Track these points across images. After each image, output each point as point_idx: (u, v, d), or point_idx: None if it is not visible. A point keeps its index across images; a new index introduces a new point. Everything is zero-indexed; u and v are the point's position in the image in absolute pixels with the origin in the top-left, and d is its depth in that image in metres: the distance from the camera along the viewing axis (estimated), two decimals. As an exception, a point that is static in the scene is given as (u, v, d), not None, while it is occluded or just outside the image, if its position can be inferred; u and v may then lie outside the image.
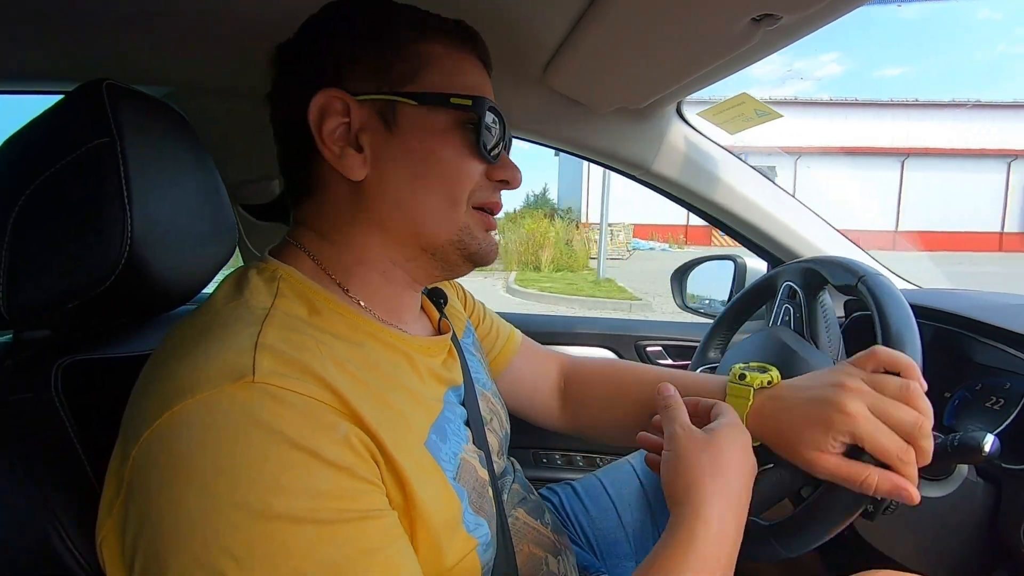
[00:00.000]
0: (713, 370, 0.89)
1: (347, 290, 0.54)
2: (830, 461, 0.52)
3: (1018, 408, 0.69)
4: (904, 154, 19.73)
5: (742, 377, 0.60)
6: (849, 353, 0.63)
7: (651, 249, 18.68)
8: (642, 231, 19.92)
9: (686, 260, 1.42)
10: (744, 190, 1.11)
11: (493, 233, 0.58)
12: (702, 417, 0.59)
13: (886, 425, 0.51)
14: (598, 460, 1.34)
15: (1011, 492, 0.64)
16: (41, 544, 0.46)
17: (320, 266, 0.54)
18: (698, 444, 0.53)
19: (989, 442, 0.54)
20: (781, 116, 0.93)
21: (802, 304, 0.75)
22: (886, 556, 0.65)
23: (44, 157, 0.51)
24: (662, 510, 0.89)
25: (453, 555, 0.47)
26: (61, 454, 0.49)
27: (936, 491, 0.64)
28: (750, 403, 0.59)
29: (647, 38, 0.69)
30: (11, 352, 0.56)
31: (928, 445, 0.51)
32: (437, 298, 0.69)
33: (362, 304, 0.54)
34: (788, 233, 1.13)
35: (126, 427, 0.41)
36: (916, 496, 0.50)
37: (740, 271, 1.27)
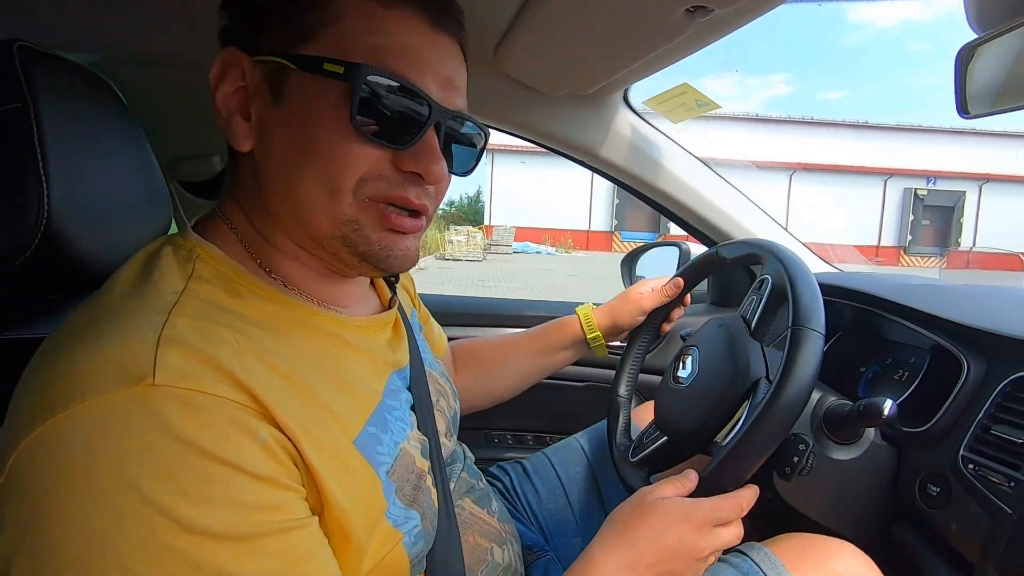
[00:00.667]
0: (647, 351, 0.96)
1: (270, 271, 0.48)
2: (647, 289, 0.89)
3: (918, 379, 0.76)
4: (792, 168, 21.15)
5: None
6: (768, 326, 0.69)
7: (537, 252, 19.49)
8: (537, 235, 21.32)
9: (569, 262, 1.47)
10: (686, 177, 1.15)
11: (407, 236, 0.49)
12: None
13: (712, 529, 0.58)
14: (548, 439, 1.37)
15: (909, 453, 0.71)
16: None
17: (243, 243, 0.48)
18: (635, 502, 0.58)
19: (888, 406, 0.60)
20: (719, 107, 0.97)
21: (765, 306, 0.74)
22: (803, 515, 0.70)
23: None
24: (608, 486, 0.91)
25: (375, 552, 0.44)
26: None
27: (847, 454, 0.70)
28: (591, 312, 0.93)
29: (589, 23, 0.71)
30: None
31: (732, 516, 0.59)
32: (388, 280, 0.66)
33: (287, 287, 0.49)
34: (726, 219, 1.18)
35: (7, 425, 0.36)
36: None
37: (684, 257, 1.32)
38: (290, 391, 0.40)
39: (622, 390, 0.92)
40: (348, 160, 0.44)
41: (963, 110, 0.49)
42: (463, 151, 0.53)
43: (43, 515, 0.32)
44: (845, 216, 21.56)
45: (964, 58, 0.48)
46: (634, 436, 0.85)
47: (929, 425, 0.68)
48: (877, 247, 21.95)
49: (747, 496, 0.58)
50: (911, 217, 21.62)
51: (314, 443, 0.40)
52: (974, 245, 19.37)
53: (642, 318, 0.93)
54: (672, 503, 0.56)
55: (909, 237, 21.83)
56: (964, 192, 21.59)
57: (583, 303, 1.00)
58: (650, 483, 0.73)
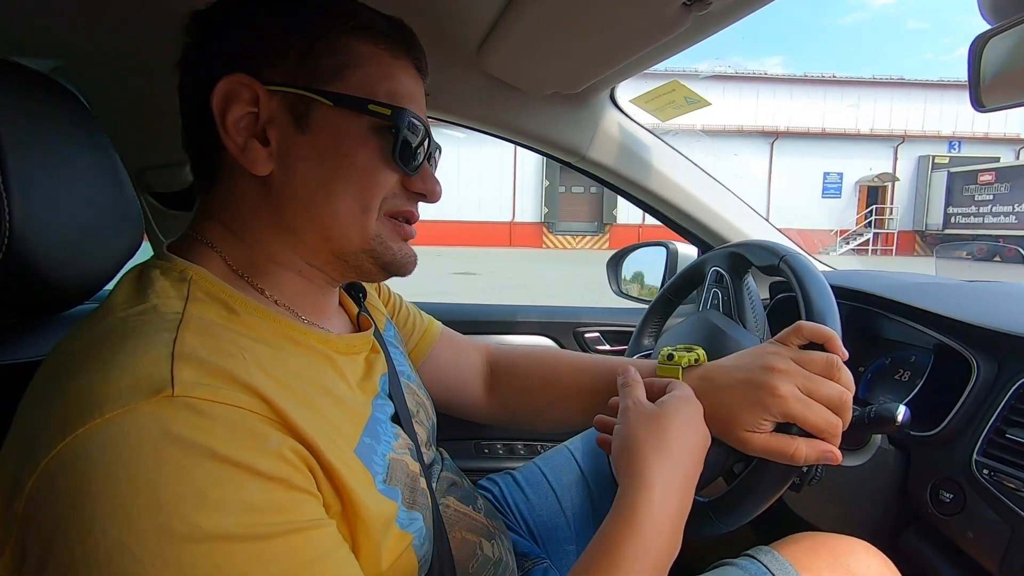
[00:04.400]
0: (649, 355, 0.91)
1: (262, 290, 0.51)
2: (761, 439, 0.55)
3: (923, 379, 0.75)
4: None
5: (670, 358, 0.62)
6: (774, 331, 0.65)
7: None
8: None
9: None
10: (675, 177, 1.13)
11: (409, 243, 0.56)
12: (658, 395, 0.59)
13: (814, 401, 0.54)
14: (539, 448, 1.34)
15: (918, 458, 0.69)
16: None
17: (231, 266, 0.50)
18: (644, 416, 0.54)
19: (901, 413, 0.58)
20: (710, 104, 0.95)
21: (729, 287, 0.78)
22: (810, 523, 0.68)
23: None
24: (601, 493, 0.90)
25: (389, 555, 0.46)
26: None
27: (854, 460, 0.68)
28: (679, 377, 0.61)
29: (579, 20, 0.68)
30: None
31: (849, 415, 0.55)
32: (356, 291, 0.67)
33: (279, 303, 0.51)
34: (716, 219, 1.17)
35: (11, 456, 0.36)
36: (839, 457, 0.54)
37: (672, 257, 1.30)
38: (296, 400, 0.42)
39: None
40: (379, 183, 0.51)
41: (977, 103, 0.47)
42: (434, 160, 0.60)
43: (64, 533, 0.32)
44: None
45: (977, 49, 0.46)
46: None
47: (939, 429, 0.66)
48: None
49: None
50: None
51: (328, 449, 0.41)
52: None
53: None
54: (642, 409, 0.56)
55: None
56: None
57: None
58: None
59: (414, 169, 0.53)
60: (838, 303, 0.64)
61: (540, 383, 0.82)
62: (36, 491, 0.33)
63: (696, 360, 0.62)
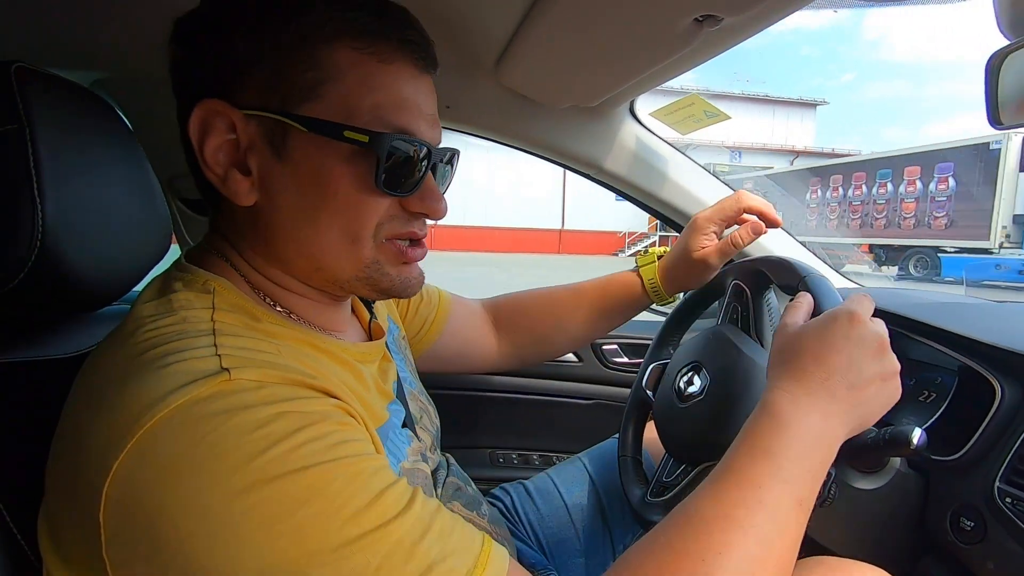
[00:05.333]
0: (666, 365, 0.89)
1: (275, 304, 0.50)
2: (711, 250, 0.78)
3: (946, 402, 0.72)
4: None
5: (646, 253, 0.84)
6: None
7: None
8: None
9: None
10: (695, 190, 1.12)
11: (416, 264, 0.53)
12: None
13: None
14: (554, 459, 1.34)
15: (938, 483, 0.67)
16: None
17: (246, 279, 0.49)
18: (778, 346, 0.51)
19: (917, 435, 0.56)
20: (730, 118, 0.95)
21: (748, 302, 0.76)
22: (825, 548, 0.66)
23: None
24: (611, 506, 0.89)
25: None
26: None
27: (870, 483, 0.66)
28: (656, 263, 0.85)
29: (593, 35, 0.68)
30: None
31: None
32: (367, 300, 0.67)
33: (295, 317, 0.51)
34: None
35: (72, 468, 0.37)
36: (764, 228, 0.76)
37: None
38: (333, 387, 0.42)
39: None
40: (367, 211, 0.47)
41: (994, 120, 0.46)
42: (444, 169, 0.55)
43: (165, 516, 0.33)
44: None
45: (995, 66, 0.45)
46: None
47: (960, 454, 0.64)
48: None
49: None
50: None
51: (368, 422, 0.43)
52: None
53: (710, 277, 0.83)
54: (816, 319, 0.51)
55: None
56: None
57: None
58: None
59: (409, 189, 0.48)
60: None
61: (542, 311, 0.90)
62: (117, 491, 0.33)
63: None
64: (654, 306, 1.40)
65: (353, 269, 0.49)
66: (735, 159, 21.52)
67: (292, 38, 0.43)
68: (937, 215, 12.82)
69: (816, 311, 0.58)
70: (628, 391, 0.89)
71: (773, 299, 0.76)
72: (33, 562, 0.44)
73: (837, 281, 1.20)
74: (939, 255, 12.71)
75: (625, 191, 1.15)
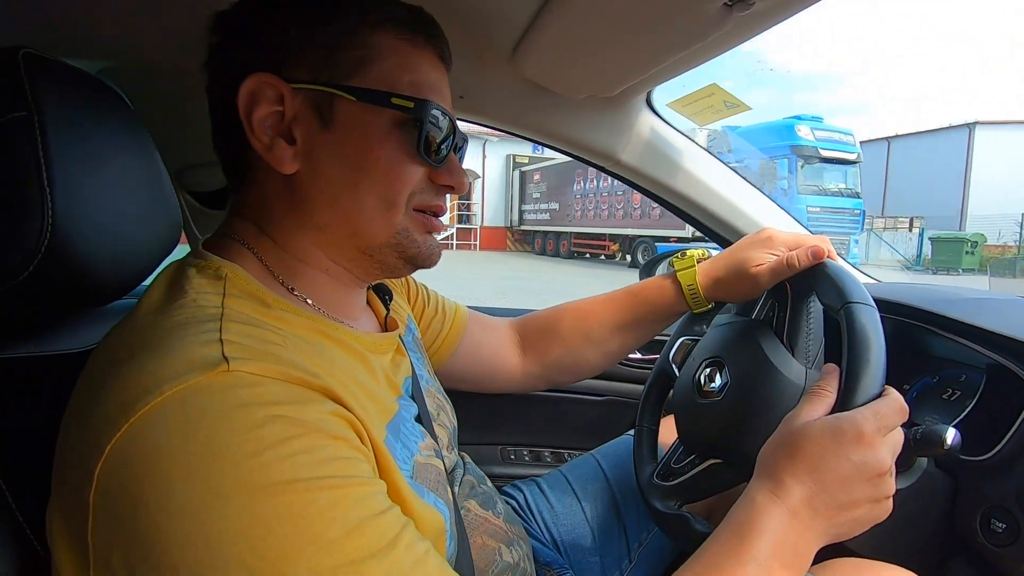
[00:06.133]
0: (694, 344, 0.85)
1: (292, 289, 0.51)
2: (766, 268, 0.71)
3: (974, 400, 0.70)
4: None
5: (683, 256, 0.78)
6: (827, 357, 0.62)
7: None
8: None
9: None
10: (713, 183, 1.10)
11: (436, 235, 0.57)
12: None
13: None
14: (566, 455, 1.33)
15: (968, 484, 0.65)
16: None
17: (264, 264, 0.51)
18: (836, 430, 0.49)
19: (951, 435, 0.54)
20: (750, 108, 0.93)
21: (788, 304, 0.71)
22: (850, 549, 0.65)
23: None
24: (626, 503, 0.89)
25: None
26: None
27: (897, 483, 0.65)
28: (695, 267, 0.78)
29: (617, 22, 0.66)
30: None
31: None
32: (383, 294, 0.67)
33: (310, 303, 0.52)
34: (755, 227, 1.13)
35: (71, 450, 0.37)
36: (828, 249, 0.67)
37: None
38: (336, 383, 0.42)
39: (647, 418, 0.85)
40: (404, 178, 0.51)
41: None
42: (461, 152, 0.60)
43: (145, 507, 0.33)
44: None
45: None
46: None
47: (991, 454, 0.62)
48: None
49: (897, 392, 0.52)
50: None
51: (370, 427, 0.43)
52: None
53: (754, 295, 0.77)
54: (825, 424, 0.49)
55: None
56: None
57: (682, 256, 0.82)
58: (681, 513, 0.69)
59: (440, 161, 0.52)
60: (882, 317, 0.59)
61: (569, 323, 0.87)
62: (107, 475, 0.34)
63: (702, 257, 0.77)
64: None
65: (386, 235, 0.52)
66: (536, 150, 21.77)
67: (341, 24, 0.49)
68: (655, 206, 13.78)
69: (843, 383, 0.54)
70: (642, 388, 0.88)
71: (817, 309, 0.69)
72: (42, 556, 0.43)
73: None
74: (657, 244, 13.73)
75: (641, 184, 1.13)
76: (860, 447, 0.47)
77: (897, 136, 26.77)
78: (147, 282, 0.55)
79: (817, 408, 0.52)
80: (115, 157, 0.54)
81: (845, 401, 0.52)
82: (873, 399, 0.51)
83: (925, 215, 21.26)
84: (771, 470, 0.50)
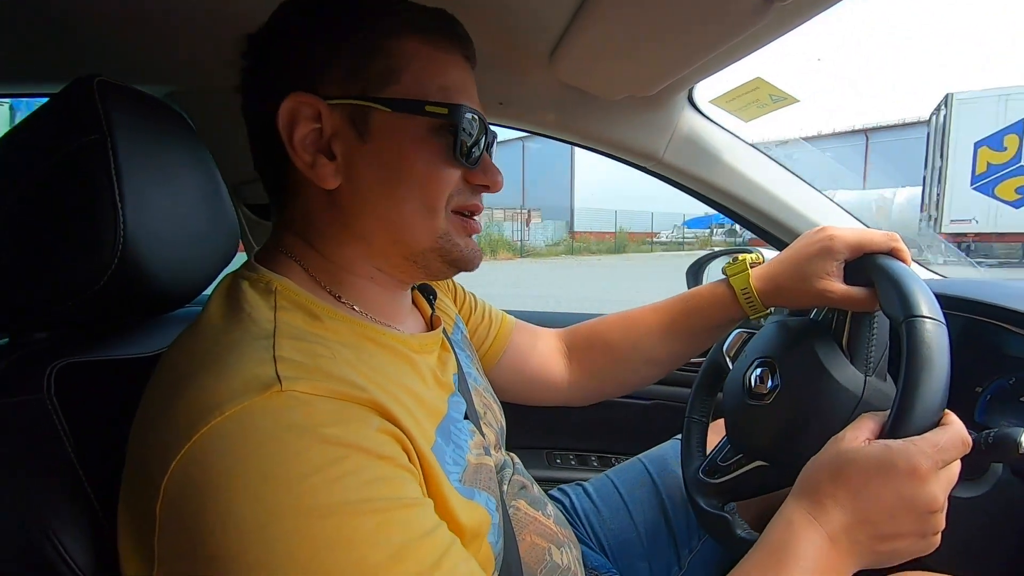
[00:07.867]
0: (750, 337, 0.82)
1: (339, 297, 0.52)
2: (837, 286, 0.64)
3: None
4: None
5: (735, 260, 0.71)
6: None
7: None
8: None
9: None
10: (762, 180, 1.07)
11: (475, 237, 0.57)
12: None
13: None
14: (613, 460, 1.31)
15: None
16: (31, 551, 0.45)
17: (311, 275, 0.52)
18: (826, 458, 0.50)
19: None
20: (798, 101, 0.89)
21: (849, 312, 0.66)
22: (919, 560, 0.61)
23: (34, 156, 0.51)
24: (675, 509, 0.87)
25: (469, 547, 0.47)
26: (53, 458, 0.48)
27: (969, 491, 0.61)
28: (748, 271, 0.72)
29: (655, 19, 0.66)
30: (6, 354, 0.55)
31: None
32: (427, 294, 0.68)
33: (357, 309, 0.53)
34: (806, 224, 1.09)
35: (141, 460, 0.40)
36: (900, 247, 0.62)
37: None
38: (384, 394, 0.43)
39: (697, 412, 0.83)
40: (442, 182, 0.51)
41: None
42: (491, 151, 0.60)
43: (206, 523, 0.35)
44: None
45: None
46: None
47: None
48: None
49: (959, 422, 0.49)
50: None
51: (417, 438, 0.43)
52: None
53: (817, 307, 0.71)
54: (875, 453, 0.47)
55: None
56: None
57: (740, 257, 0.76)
58: (723, 513, 0.67)
59: (474, 162, 0.53)
60: (950, 315, 0.56)
61: (618, 332, 0.84)
62: (173, 489, 0.36)
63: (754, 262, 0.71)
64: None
65: (429, 240, 0.52)
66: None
67: (364, 36, 0.49)
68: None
69: (896, 404, 0.50)
70: (689, 391, 0.86)
71: (882, 315, 0.64)
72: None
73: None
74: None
75: (685, 183, 1.11)
76: (912, 482, 0.45)
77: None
78: (207, 291, 0.59)
79: (864, 429, 0.50)
80: (179, 175, 0.58)
81: (896, 425, 0.49)
82: (929, 427, 0.48)
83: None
84: (812, 491, 0.49)
